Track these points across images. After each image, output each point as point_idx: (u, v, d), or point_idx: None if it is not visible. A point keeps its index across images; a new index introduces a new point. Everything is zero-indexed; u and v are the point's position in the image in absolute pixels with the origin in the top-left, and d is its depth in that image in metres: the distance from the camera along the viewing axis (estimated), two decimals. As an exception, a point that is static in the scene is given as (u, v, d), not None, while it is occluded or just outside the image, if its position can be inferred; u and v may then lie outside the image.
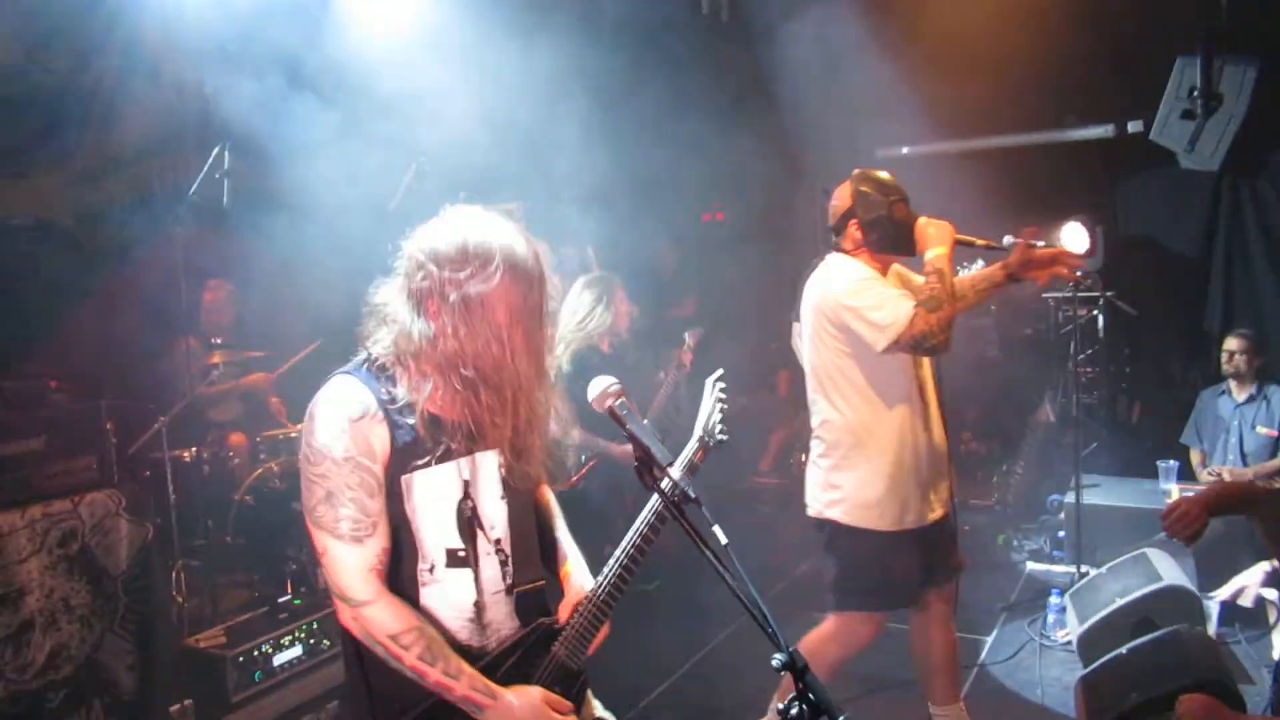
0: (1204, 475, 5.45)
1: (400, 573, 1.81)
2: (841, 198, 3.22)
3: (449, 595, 1.84)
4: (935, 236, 3.03)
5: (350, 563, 1.74)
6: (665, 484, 1.74)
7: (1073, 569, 4.95)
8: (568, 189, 6.00)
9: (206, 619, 4.34)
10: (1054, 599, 4.58)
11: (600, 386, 1.81)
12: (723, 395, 2.11)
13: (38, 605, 3.11)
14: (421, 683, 1.75)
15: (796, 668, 1.40)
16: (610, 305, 4.69)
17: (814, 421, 3.30)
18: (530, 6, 4.94)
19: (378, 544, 1.76)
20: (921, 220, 3.08)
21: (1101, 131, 6.12)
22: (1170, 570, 4.02)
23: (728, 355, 6.98)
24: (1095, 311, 5.71)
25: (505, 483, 1.91)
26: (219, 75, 4.53)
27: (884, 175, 3.22)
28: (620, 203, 6.19)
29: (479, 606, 1.86)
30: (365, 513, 1.74)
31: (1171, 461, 5.23)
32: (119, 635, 3.37)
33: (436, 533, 1.82)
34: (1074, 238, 5.37)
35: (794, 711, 1.39)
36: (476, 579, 1.86)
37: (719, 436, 2.04)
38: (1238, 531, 4.65)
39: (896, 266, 3.30)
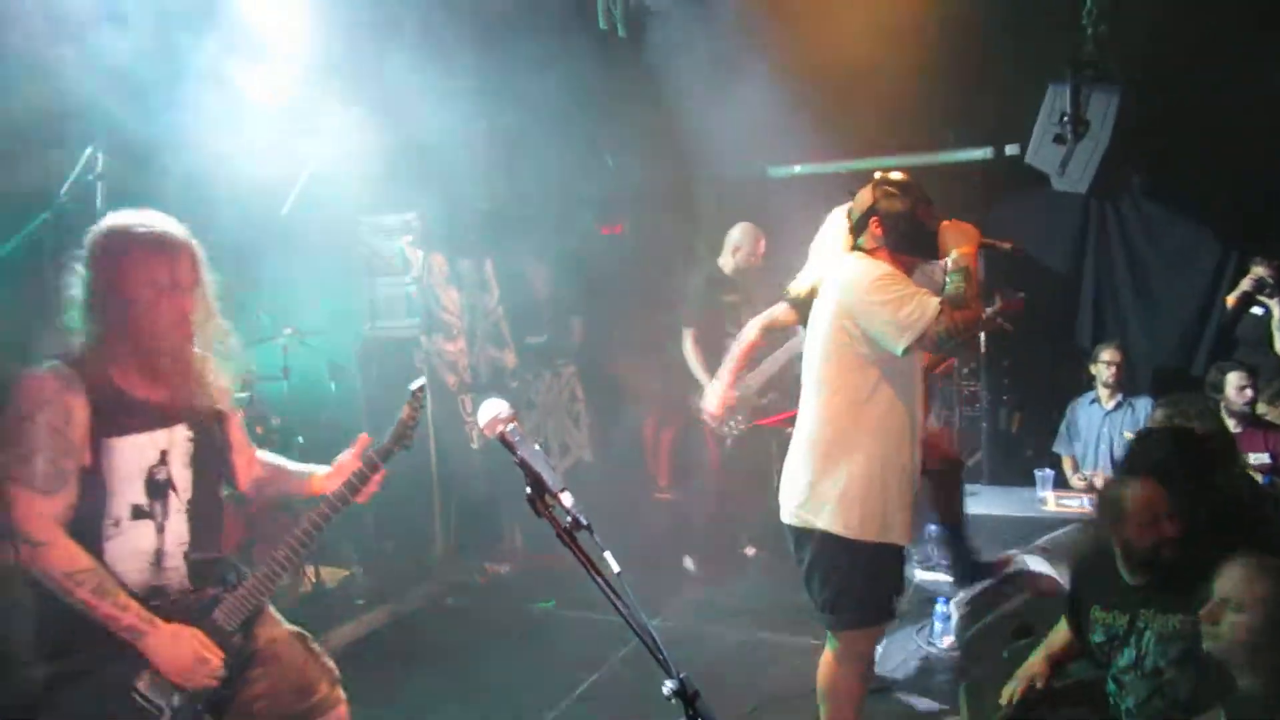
0: (1075, 480, 5.72)
1: (85, 525, 2.15)
2: (864, 196, 3.16)
3: (131, 544, 2.20)
4: (960, 238, 2.97)
5: (35, 509, 2.08)
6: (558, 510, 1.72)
7: (957, 576, 5.09)
8: (465, 202, 5.91)
9: None
10: (940, 607, 4.70)
11: (491, 412, 1.76)
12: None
13: None
14: (92, 615, 2.07)
15: (686, 694, 1.40)
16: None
17: (807, 423, 3.15)
18: (425, 20, 4.86)
19: (65, 498, 2.12)
20: (945, 224, 3.03)
21: (980, 154, 6.40)
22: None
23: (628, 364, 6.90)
24: (976, 327, 5.93)
25: (195, 454, 2.30)
26: (91, 66, 4.27)
27: (907, 179, 3.16)
28: (518, 217, 6.14)
29: (160, 554, 2.24)
30: (59, 470, 2.09)
31: (1048, 471, 5.44)
32: None
33: (126, 491, 2.18)
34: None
35: (685, 740, 1.39)
36: (162, 532, 2.24)
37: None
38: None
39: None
